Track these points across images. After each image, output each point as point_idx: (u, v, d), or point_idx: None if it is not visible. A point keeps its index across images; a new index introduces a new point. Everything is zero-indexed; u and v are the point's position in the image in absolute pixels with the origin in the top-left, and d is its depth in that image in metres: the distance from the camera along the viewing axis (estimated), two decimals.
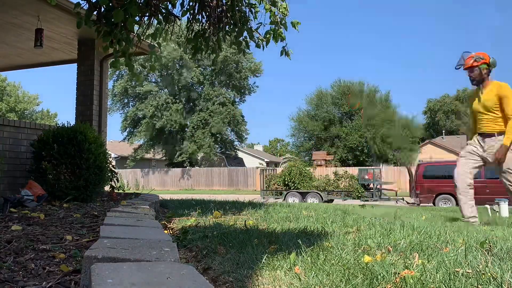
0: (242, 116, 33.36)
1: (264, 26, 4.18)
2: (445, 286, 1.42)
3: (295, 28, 4.27)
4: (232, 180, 29.63)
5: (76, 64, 6.57)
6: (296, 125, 31.81)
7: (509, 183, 4.22)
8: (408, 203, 14.06)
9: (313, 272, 1.60)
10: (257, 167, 28.82)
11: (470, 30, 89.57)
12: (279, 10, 4.09)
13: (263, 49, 4.22)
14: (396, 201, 14.69)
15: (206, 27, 3.98)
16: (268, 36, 4.18)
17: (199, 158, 33.84)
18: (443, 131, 46.76)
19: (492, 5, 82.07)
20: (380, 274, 1.52)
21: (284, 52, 4.44)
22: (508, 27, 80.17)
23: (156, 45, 3.64)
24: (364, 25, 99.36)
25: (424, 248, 2.16)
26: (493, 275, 1.48)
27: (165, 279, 1.13)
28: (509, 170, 4.13)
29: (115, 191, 5.62)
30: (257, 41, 4.16)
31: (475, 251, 2.03)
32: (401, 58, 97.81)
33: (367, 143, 27.30)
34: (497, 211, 7.03)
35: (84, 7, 3.28)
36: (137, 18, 3.18)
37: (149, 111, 30.01)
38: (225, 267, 1.74)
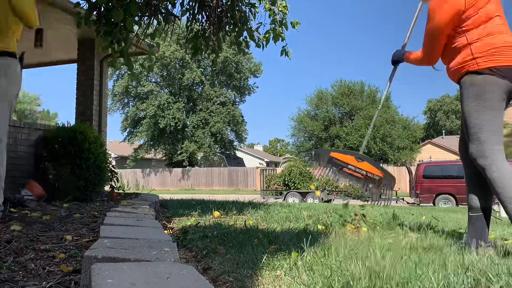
0: (242, 116, 33.39)
1: (264, 26, 4.19)
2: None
3: (295, 28, 4.28)
4: (232, 180, 29.62)
5: (76, 64, 6.57)
6: (296, 125, 31.82)
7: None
8: (408, 203, 14.06)
9: (313, 272, 1.60)
10: (257, 167, 28.82)
11: None
12: (278, 9, 4.10)
13: (263, 48, 4.23)
14: (396, 201, 14.69)
15: (206, 27, 3.98)
16: (267, 35, 4.19)
17: (199, 158, 33.84)
18: (443, 131, 46.77)
19: None
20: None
21: (284, 52, 4.45)
22: None
23: (155, 45, 3.64)
24: (363, 23, 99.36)
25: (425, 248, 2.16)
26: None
27: (165, 279, 1.13)
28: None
29: (115, 191, 5.62)
30: (257, 40, 4.17)
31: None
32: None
33: (367, 143, 27.30)
34: (497, 211, 7.04)
35: (84, 7, 3.28)
36: (136, 18, 3.18)
37: (150, 111, 30.02)
38: (225, 267, 1.73)
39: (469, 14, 2.23)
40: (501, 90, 2.18)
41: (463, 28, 2.26)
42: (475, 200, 2.32)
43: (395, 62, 2.81)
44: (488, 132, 2.17)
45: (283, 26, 4.19)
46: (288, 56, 4.45)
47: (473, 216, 2.31)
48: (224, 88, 32.72)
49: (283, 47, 4.45)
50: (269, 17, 4.17)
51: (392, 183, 2.66)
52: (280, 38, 4.25)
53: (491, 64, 2.19)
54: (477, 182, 2.34)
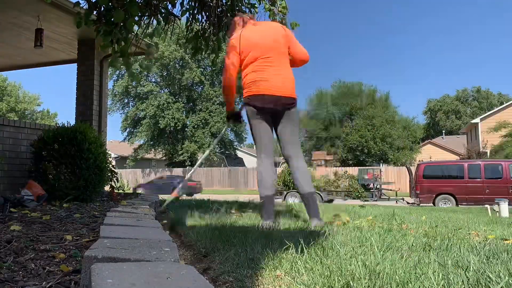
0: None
1: None
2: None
3: (294, 29, 4.28)
4: (232, 180, 29.61)
5: (76, 64, 6.57)
6: None
7: None
8: (408, 203, 14.05)
9: (313, 272, 1.60)
10: None
11: (468, 30, 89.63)
12: (278, 10, 4.10)
13: None
14: (396, 201, 14.69)
15: (206, 27, 3.98)
16: None
17: (199, 158, 33.85)
18: (443, 131, 46.76)
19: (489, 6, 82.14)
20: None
21: None
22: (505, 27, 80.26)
23: (153, 44, 3.65)
24: (363, 23, 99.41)
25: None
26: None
27: (165, 279, 1.13)
28: None
29: (115, 191, 5.62)
30: None
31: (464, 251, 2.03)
32: (400, 58, 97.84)
33: (367, 143, 27.33)
34: (497, 211, 7.04)
35: (84, 7, 3.28)
36: (136, 18, 3.18)
37: (150, 111, 30.01)
38: (225, 267, 1.73)
39: (241, 59, 3.21)
40: (252, 112, 3.19)
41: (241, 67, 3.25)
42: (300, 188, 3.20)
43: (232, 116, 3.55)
44: (255, 142, 3.24)
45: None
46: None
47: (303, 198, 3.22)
48: None
49: None
50: (269, 17, 4.17)
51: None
52: None
53: (246, 95, 3.21)
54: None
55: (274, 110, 3.18)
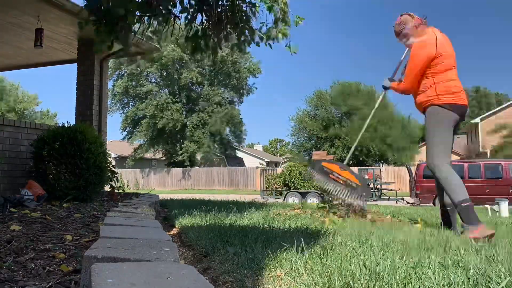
0: (240, 118, 33.35)
1: (266, 25, 4.18)
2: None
3: (300, 23, 4.24)
4: (232, 180, 29.60)
5: (76, 64, 6.57)
6: (296, 125, 31.86)
7: None
8: (408, 203, 14.05)
9: (314, 272, 1.59)
10: (257, 167, 28.80)
11: (468, 29, 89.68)
12: (279, 6, 4.08)
13: (266, 45, 4.19)
14: (396, 201, 14.68)
15: (206, 27, 3.97)
16: (269, 33, 4.17)
17: (199, 158, 33.83)
18: None
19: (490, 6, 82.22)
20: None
21: (289, 46, 4.40)
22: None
23: (154, 45, 3.64)
24: (362, 21, 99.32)
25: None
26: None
27: (165, 279, 1.13)
28: None
29: (115, 191, 5.62)
30: (256, 39, 4.15)
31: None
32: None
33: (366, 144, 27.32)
34: (497, 211, 7.04)
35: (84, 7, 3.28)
36: (136, 18, 3.18)
37: (149, 111, 30.00)
38: (225, 267, 1.73)
39: (436, 62, 3.10)
40: (451, 120, 3.10)
41: (432, 71, 3.13)
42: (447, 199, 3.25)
43: (385, 88, 3.71)
44: (438, 147, 3.12)
45: (285, 23, 4.16)
46: (290, 51, 4.38)
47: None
48: (222, 89, 32.66)
49: (286, 44, 4.41)
50: (272, 14, 4.14)
51: (367, 192, 3.58)
52: (283, 36, 4.22)
53: (451, 102, 3.10)
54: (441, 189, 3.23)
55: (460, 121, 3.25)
